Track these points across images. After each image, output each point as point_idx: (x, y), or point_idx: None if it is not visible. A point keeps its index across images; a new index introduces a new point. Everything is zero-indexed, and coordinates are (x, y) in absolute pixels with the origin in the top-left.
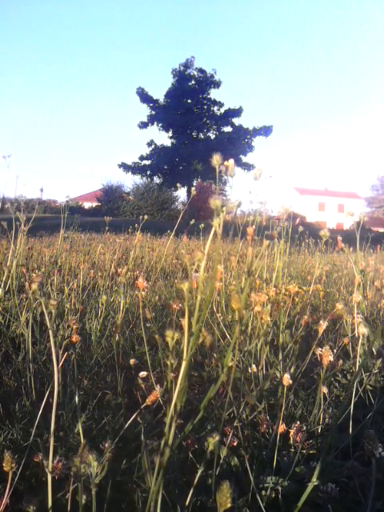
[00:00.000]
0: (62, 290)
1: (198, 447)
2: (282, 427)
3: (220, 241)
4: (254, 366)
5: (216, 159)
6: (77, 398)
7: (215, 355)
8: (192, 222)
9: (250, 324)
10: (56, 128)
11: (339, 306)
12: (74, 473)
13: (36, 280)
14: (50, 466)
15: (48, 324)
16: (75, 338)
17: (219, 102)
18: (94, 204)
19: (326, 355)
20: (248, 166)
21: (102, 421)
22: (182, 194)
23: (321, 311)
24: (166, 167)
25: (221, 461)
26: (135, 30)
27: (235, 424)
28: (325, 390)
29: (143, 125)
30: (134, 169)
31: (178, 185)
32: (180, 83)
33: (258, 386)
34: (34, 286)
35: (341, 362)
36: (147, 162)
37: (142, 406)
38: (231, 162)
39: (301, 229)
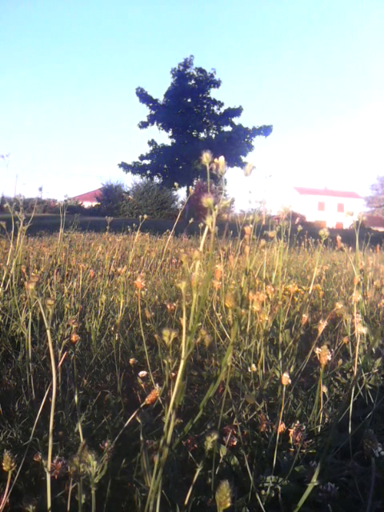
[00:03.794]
0: (61, 289)
1: (198, 446)
2: (281, 426)
3: (214, 239)
4: (253, 365)
5: (206, 157)
6: (76, 398)
7: (214, 354)
8: (191, 221)
9: (249, 323)
10: (56, 127)
11: (339, 305)
12: (74, 472)
13: (33, 280)
14: (49, 466)
15: (46, 324)
16: (75, 337)
17: (219, 102)
18: (94, 203)
19: (324, 354)
20: None
21: (101, 420)
22: (181, 193)
23: (320, 310)
24: (165, 167)
25: (220, 460)
26: (135, 30)
27: (235, 423)
28: (324, 389)
29: (143, 124)
30: (134, 168)
31: (177, 184)
32: (179, 83)
33: (257, 386)
34: (31, 286)
35: (340, 361)
36: (147, 162)
37: (142, 406)
38: (221, 159)
39: (300, 228)
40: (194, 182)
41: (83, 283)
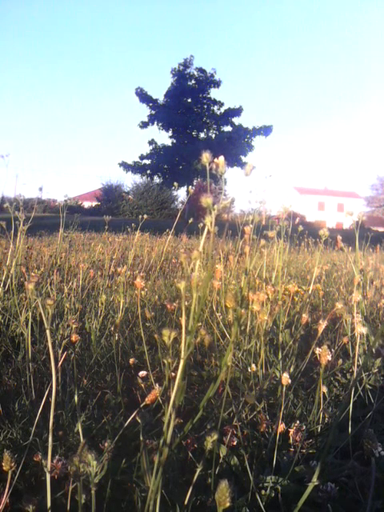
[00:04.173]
0: (61, 289)
1: (198, 446)
2: (281, 426)
3: (214, 239)
4: (253, 365)
5: (205, 157)
6: (76, 398)
7: (214, 354)
8: (191, 221)
9: (249, 323)
10: (56, 127)
11: (339, 305)
12: (74, 472)
13: (33, 280)
14: (49, 466)
15: (45, 324)
16: (75, 337)
17: (219, 102)
18: (94, 203)
19: (324, 354)
20: None
21: (101, 420)
22: (181, 193)
23: (320, 310)
24: (166, 166)
25: (220, 460)
26: (135, 30)
27: (235, 423)
28: (324, 389)
29: (144, 124)
30: (135, 168)
31: (176, 184)
32: (179, 83)
33: (257, 386)
34: (31, 286)
35: (340, 361)
36: (147, 162)
37: (142, 405)
38: (221, 159)
39: (300, 228)
40: (194, 182)
41: (83, 283)
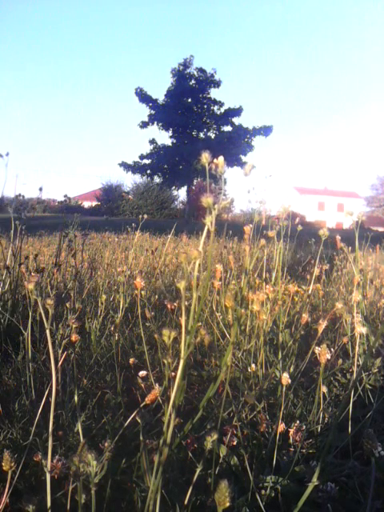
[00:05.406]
0: (61, 289)
1: (198, 446)
2: (281, 426)
3: (213, 239)
4: (253, 365)
5: (205, 157)
6: (76, 398)
7: (214, 354)
8: (191, 221)
9: (249, 323)
10: (56, 127)
11: (339, 305)
12: (74, 472)
13: (33, 280)
14: (49, 466)
15: (46, 324)
16: (75, 337)
17: (219, 102)
18: (94, 203)
19: (324, 354)
20: None
21: (101, 420)
22: (181, 193)
23: (320, 310)
24: (166, 166)
25: (220, 460)
26: (135, 30)
27: (235, 423)
28: (324, 389)
29: (144, 124)
30: (135, 168)
31: (176, 185)
32: (179, 82)
33: (257, 386)
34: (31, 286)
35: (340, 361)
36: (147, 161)
37: (142, 405)
38: (221, 159)
39: (300, 228)
40: (194, 182)
41: (83, 283)
